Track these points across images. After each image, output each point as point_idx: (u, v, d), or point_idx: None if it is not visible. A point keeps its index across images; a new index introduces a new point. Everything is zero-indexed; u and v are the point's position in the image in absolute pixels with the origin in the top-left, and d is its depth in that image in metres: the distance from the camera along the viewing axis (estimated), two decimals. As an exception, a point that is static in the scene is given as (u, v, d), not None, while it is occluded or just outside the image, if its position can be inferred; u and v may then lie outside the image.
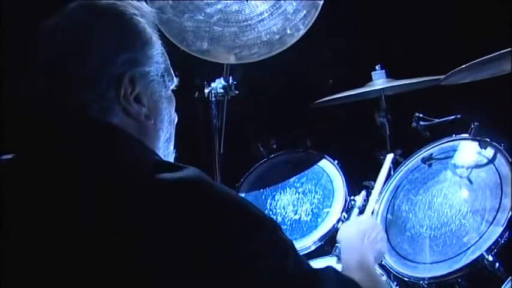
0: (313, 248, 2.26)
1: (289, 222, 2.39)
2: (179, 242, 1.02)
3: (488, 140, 2.20)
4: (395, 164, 2.59)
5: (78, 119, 1.15)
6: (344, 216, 2.30)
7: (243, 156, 2.85)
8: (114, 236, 1.03)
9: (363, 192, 2.36)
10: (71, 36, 1.18)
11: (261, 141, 2.75)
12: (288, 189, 2.52)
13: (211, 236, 1.04)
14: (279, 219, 2.42)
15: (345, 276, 1.28)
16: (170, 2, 2.27)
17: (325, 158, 2.55)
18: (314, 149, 2.63)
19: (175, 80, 1.33)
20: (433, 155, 2.34)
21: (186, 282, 1.02)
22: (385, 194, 2.34)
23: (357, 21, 3.16)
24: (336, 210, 2.34)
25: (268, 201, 2.51)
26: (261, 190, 2.56)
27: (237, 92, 2.54)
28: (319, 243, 2.26)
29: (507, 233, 1.92)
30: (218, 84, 2.52)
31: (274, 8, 2.35)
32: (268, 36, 2.34)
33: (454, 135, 2.34)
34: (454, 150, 2.30)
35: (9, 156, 1.17)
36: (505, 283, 1.82)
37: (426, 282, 1.99)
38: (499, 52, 1.96)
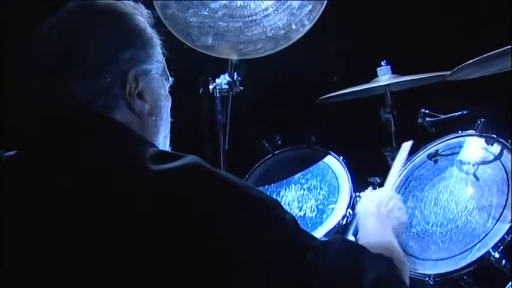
0: (318, 244, 2.25)
1: (294, 219, 2.38)
2: (183, 227, 1.04)
3: (494, 136, 2.18)
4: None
5: (81, 115, 1.16)
6: (349, 213, 2.29)
7: (247, 152, 2.85)
8: (118, 229, 1.04)
9: (369, 188, 2.36)
10: (74, 34, 1.21)
11: (265, 137, 2.74)
12: (293, 185, 2.51)
13: (213, 220, 1.06)
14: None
15: (353, 242, 1.29)
16: (175, -3, 2.26)
17: (330, 154, 2.54)
18: (319, 145, 2.62)
19: (171, 80, 1.36)
20: (439, 151, 2.33)
21: (191, 267, 1.03)
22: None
23: (362, 17, 3.15)
24: (341, 206, 2.33)
25: (273, 197, 2.50)
26: (266, 186, 2.55)
27: (241, 88, 2.54)
28: (325, 240, 2.26)
29: (514, 230, 1.91)
30: (223, 80, 2.52)
31: (280, 3, 2.34)
32: (273, 31, 2.33)
33: (460, 132, 2.32)
34: (460, 147, 2.29)
35: (12, 153, 1.18)
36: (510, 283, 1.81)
37: (432, 279, 1.98)
38: (505, 47, 1.95)
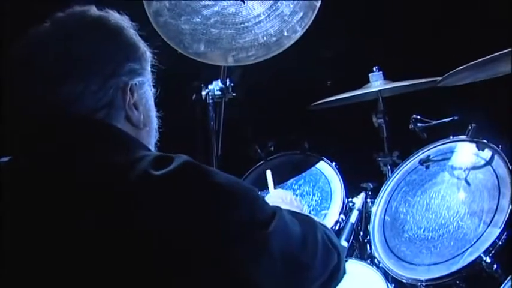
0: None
1: (287, 225, 2.38)
2: (186, 227, 1.06)
3: (485, 141, 2.20)
4: (393, 166, 2.59)
5: (85, 123, 1.19)
6: (342, 218, 2.30)
7: (240, 158, 2.85)
8: (125, 232, 1.05)
9: (362, 194, 2.37)
10: (76, 46, 1.22)
11: (258, 143, 2.75)
12: (285, 191, 2.51)
13: (213, 218, 1.09)
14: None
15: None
16: (167, 4, 2.26)
17: (322, 160, 2.55)
18: (312, 151, 2.63)
19: (153, 91, 1.39)
20: (431, 156, 2.35)
21: (189, 269, 1.05)
22: (383, 195, 2.34)
23: (354, 23, 3.16)
24: (333, 212, 2.34)
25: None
26: (259, 192, 2.55)
27: (234, 94, 2.55)
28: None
29: (505, 234, 1.92)
30: (215, 86, 2.52)
31: (271, 10, 2.34)
32: (265, 38, 2.33)
33: (451, 137, 2.34)
34: (452, 152, 2.30)
35: (6, 159, 1.19)
36: (505, 283, 1.82)
37: (424, 284, 2.00)
38: (496, 54, 1.96)
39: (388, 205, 2.32)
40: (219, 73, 2.50)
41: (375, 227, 2.27)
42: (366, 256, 2.28)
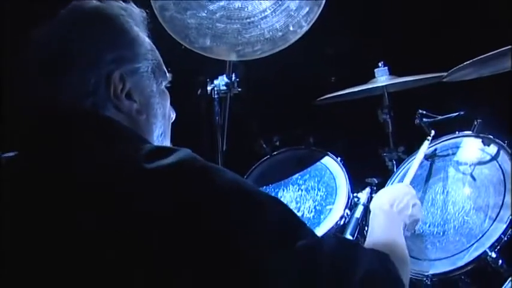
0: (316, 245, 2.25)
1: (292, 219, 2.39)
2: (180, 224, 1.04)
3: (491, 137, 2.19)
4: (398, 161, 2.59)
5: (72, 112, 1.18)
6: (347, 213, 2.30)
7: (245, 153, 2.85)
8: (116, 228, 1.04)
9: (367, 189, 2.36)
10: (60, 37, 1.23)
11: (263, 138, 2.75)
12: (290, 186, 2.52)
13: (210, 215, 1.06)
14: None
15: (346, 238, 1.29)
16: (173, -1, 2.27)
17: (328, 155, 2.55)
18: (317, 146, 2.63)
19: (169, 76, 1.36)
20: (437, 151, 2.34)
21: (191, 264, 1.03)
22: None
23: (360, 18, 3.15)
24: (338, 207, 2.34)
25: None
26: (264, 187, 2.56)
27: (239, 89, 2.55)
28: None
29: (510, 230, 1.91)
30: (221, 81, 2.53)
31: (277, 5, 2.34)
32: (271, 33, 2.33)
33: (457, 132, 2.34)
34: (457, 147, 2.30)
35: (11, 154, 1.19)
36: (507, 283, 1.82)
37: (429, 279, 1.99)
38: (502, 49, 1.95)
39: (393, 200, 2.31)
40: (225, 68, 2.51)
41: (380, 222, 2.26)
42: (371, 251, 2.28)
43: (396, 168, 2.51)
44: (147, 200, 1.05)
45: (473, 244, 1.97)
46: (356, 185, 2.40)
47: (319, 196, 2.43)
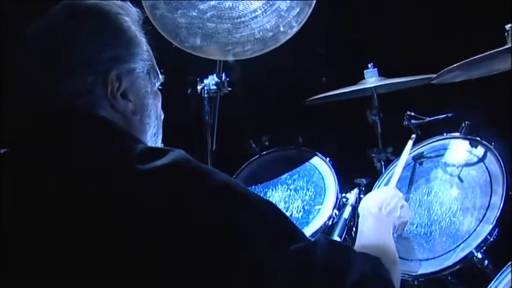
0: (304, 244, 2.26)
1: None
2: (172, 226, 1.04)
3: (478, 138, 2.21)
4: (387, 162, 2.61)
5: (67, 110, 1.17)
6: (335, 214, 2.31)
7: (235, 153, 2.86)
8: (108, 229, 1.04)
9: (355, 190, 2.37)
10: (56, 34, 1.22)
11: (253, 138, 2.75)
12: (279, 186, 2.52)
13: (202, 217, 1.06)
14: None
15: (337, 241, 1.29)
16: (163, -2, 2.27)
17: (317, 155, 2.56)
18: (306, 146, 2.64)
19: (161, 77, 1.36)
20: (424, 153, 2.36)
21: (183, 266, 1.03)
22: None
23: (350, 19, 3.16)
24: (327, 207, 2.35)
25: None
26: (253, 187, 2.56)
27: (229, 88, 2.55)
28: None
29: (496, 230, 1.93)
30: (211, 80, 2.53)
31: (268, 5, 2.35)
32: (261, 33, 2.34)
33: (445, 134, 2.35)
34: (445, 149, 2.31)
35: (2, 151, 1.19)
36: (505, 268, 1.81)
37: (416, 279, 2.01)
38: (490, 51, 1.97)
39: (381, 201, 2.32)
40: (215, 67, 2.51)
41: (368, 222, 2.27)
42: (359, 251, 2.29)
43: (385, 169, 2.52)
44: (139, 200, 1.05)
45: (459, 245, 1.99)
46: (345, 186, 2.41)
47: (308, 196, 2.44)
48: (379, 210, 1.69)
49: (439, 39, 2.98)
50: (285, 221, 1.16)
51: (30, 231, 1.07)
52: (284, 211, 2.38)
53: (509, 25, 2.05)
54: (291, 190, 2.49)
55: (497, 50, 1.96)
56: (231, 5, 2.34)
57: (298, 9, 2.33)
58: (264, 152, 2.70)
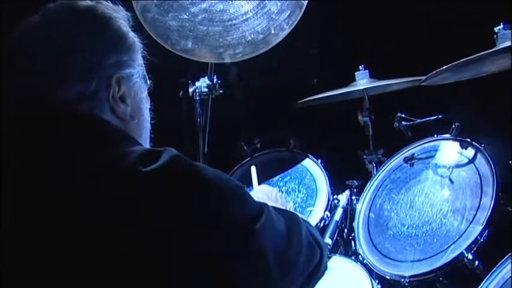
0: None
1: (272, 221, 2.40)
2: (174, 225, 1.06)
3: (469, 140, 2.23)
4: (378, 163, 2.62)
5: (68, 113, 1.17)
6: (327, 215, 2.32)
7: (227, 155, 2.86)
8: (107, 227, 1.05)
9: (347, 191, 2.39)
10: (62, 37, 1.21)
11: (245, 140, 2.76)
12: (271, 188, 2.53)
13: (196, 217, 1.08)
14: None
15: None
16: (155, 0, 2.27)
17: (308, 157, 2.57)
18: (297, 148, 2.65)
19: (149, 82, 1.38)
20: (415, 154, 2.37)
21: (176, 266, 1.04)
22: (368, 193, 2.37)
23: (341, 21, 3.17)
24: (319, 209, 2.36)
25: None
26: (246, 189, 2.57)
27: (221, 91, 2.55)
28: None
29: (486, 231, 1.95)
30: (202, 83, 2.53)
31: (259, 7, 2.35)
32: (252, 35, 2.34)
33: (435, 135, 2.37)
34: (436, 150, 2.33)
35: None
36: (494, 268, 1.81)
37: (407, 280, 2.02)
38: (480, 53, 1.99)
39: (372, 202, 2.34)
40: (206, 70, 2.51)
41: (359, 224, 2.29)
42: (351, 253, 2.30)
43: (376, 170, 2.53)
44: (141, 201, 1.06)
45: (450, 246, 2.00)
46: (336, 187, 2.42)
47: (300, 198, 2.45)
48: (268, 198, 1.70)
49: (429, 42, 3.00)
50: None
51: (30, 232, 1.07)
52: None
53: (498, 27, 2.06)
54: (282, 192, 2.50)
55: (486, 52, 1.98)
56: (222, 8, 2.34)
57: (289, 12, 2.34)
58: (256, 154, 2.71)
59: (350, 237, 2.34)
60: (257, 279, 1.13)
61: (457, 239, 2.00)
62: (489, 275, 1.77)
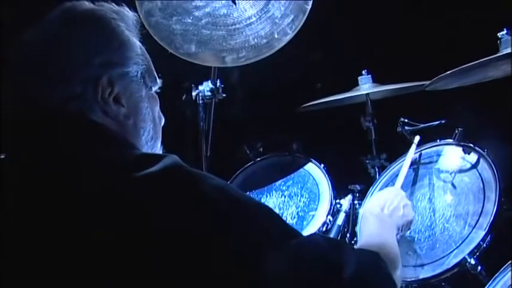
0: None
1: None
2: (163, 233, 1.04)
3: (471, 145, 2.22)
4: (381, 168, 2.62)
5: (58, 116, 1.17)
6: (330, 220, 2.32)
7: (229, 159, 2.86)
8: (99, 232, 1.04)
9: (349, 196, 2.38)
10: (48, 39, 1.22)
11: (247, 144, 2.76)
12: (274, 192, 2.53)
13: (194, 222, 1.06)
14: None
15: (333, 238, 1.28)
16: (159, 4, 2.27)
17: (311, 161, 2.57)
18: (300, 153, 2.65)
19: (159, 81, 1.36)
20: (418, 159, 2.37)
21: (181, 269, 1.04)
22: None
23: (344, 26, 3.18)
24: (321, 213, 2.36)
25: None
26: (247, 193, 2.57)
27: (224, 95, 2.56)
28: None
29: (489, 237, 1.94)
30: (206, 87, 2.54)
31: (262, 12, 2.36)
32: (255, 40, 2.35)
33: (438, 140, 2.36)
34: (439, 155, 2.33)
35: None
36: (497, 274, 1.81)
37: (410, 285, 2.01)
38: (484, 59, 1.99)
39: (375, 207, 2.33)
40: (210, 74, 2.52)
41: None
42: (353, 257, 2.29)
43: (379, 175, 2.53)
44: (134, 207, 1.05)
45: (453, 251, 1.99)
46: (339, 192, 2.42)
47: (302, 202, 2.45)
48: (381, 211, 1.67)
49: (433, 46, 3.00)
50: (280, 221, 1.17)
51: (30, 233, 1.07)
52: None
53: (501, 33, 2.06)
54: (285, 196, 2.49)
55: (490, 57, 1.98)
56: (225, 12, 2.35)
57: (292, 17, 2.34)
58: (259, 158, 2.71)
59: (352, 242, 2.34)
60: None
61: (460, 244, 1.99)
62: (491, 280, 1.77)
